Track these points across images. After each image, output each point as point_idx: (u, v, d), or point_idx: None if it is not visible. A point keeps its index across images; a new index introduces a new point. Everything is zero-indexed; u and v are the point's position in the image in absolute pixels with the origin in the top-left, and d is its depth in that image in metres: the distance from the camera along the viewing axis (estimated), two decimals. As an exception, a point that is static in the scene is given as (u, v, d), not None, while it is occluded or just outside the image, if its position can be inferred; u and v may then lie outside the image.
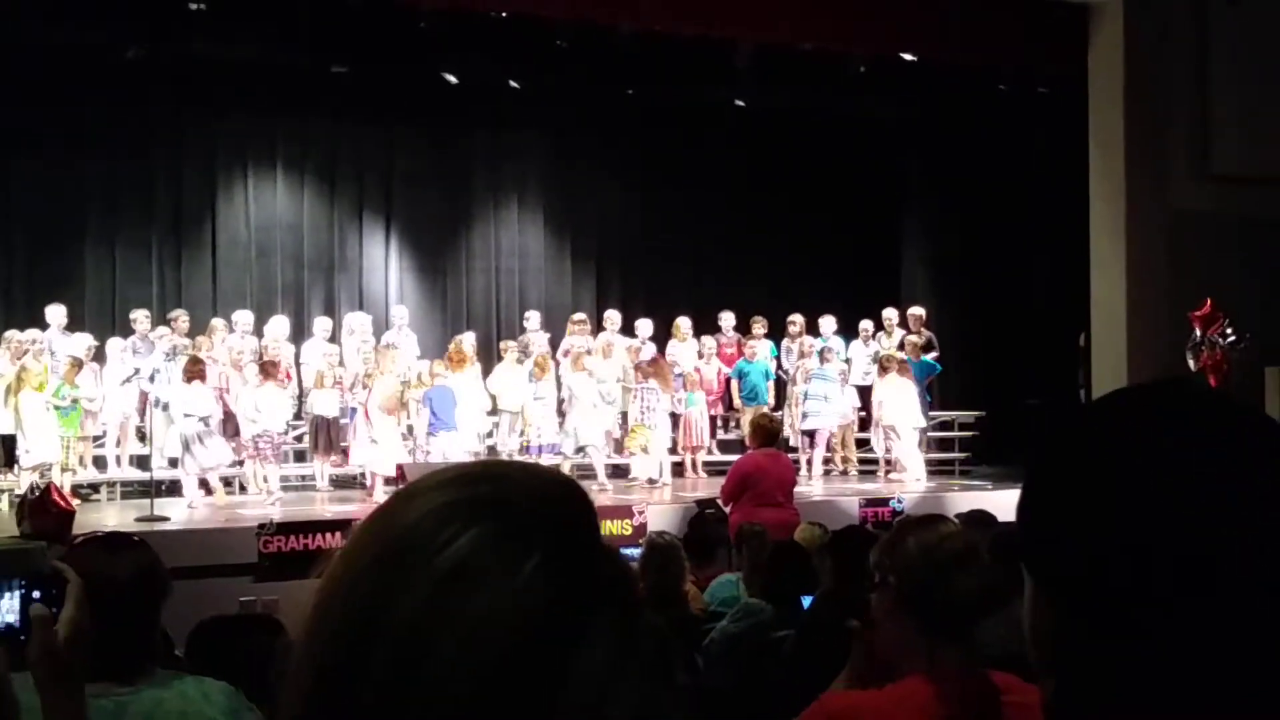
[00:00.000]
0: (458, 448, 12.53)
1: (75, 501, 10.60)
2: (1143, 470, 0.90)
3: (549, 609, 0.79)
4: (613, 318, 15.05)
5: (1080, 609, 0.91)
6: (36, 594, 1.75)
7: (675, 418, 14.15)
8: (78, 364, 12.15)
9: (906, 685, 2.25)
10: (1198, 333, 11.42)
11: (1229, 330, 11.35)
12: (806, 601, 5.37)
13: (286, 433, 13.10)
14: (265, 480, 12.39)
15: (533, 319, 14.91)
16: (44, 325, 12.75)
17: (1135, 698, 0.89)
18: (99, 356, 12.77)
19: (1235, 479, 0.89)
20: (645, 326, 15.03)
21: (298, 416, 13.52)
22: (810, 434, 14.20)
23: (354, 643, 0.80)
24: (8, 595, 1.76)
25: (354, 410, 13.02)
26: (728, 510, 9.04)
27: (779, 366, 15.18)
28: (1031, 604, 0.96)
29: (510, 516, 0.83)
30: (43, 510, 9.13)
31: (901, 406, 14.03)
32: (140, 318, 13.35)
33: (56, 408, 11.75)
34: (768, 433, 9.79)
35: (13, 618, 1.76)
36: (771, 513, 8.64)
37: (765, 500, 9.01)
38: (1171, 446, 0.90)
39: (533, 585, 0.80)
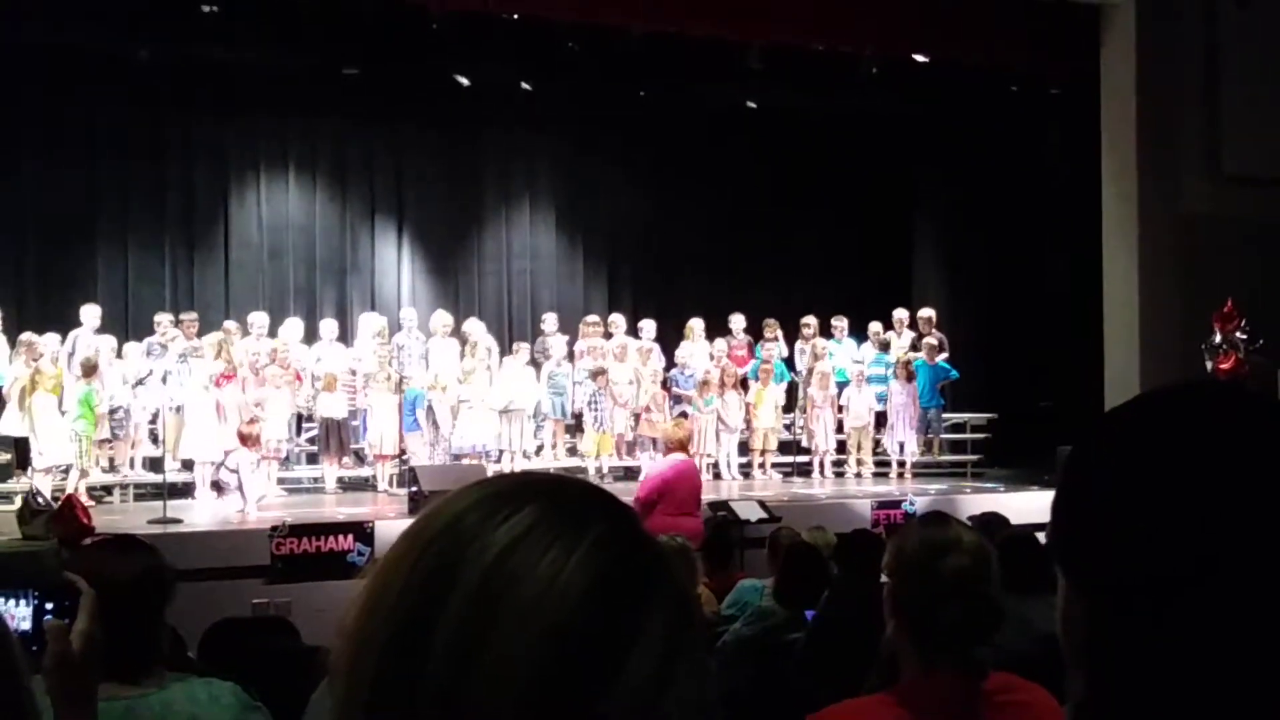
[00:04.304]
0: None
1: (89, 504, 10.63)
2: (1179, 469, 0.89)
3: (609, 580, 0.80)
4: (618, 321, 14.93)
5: (1116, 609, 0.90)
6: (49, 605, 1.75)
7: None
8: (93, 367, 12.15)
9: (877, 699, 2.22)
10: (1217, 333, 11.36)
11: (1244, 331, 11.30)
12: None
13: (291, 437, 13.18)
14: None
15: (549, 321, 14.86)
16: (57, 327, 12.64)
17: (1171, 697, 0.89)
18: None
19: (1273, 477, 0.88)
20: (649, 328, 14.82)
21: (308, 419, 13.53)
22: None
23: (412, 636, 0.79)
24: (22, 603, 1.75)
25: (364, 411, 13.06)
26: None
27: (792, 368, 15.13)
28: (1065, 604, 0.95)
29: (562, 498, 0.84)
30: (61, 519, 9.14)
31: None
32: (164, 321, 13.31)
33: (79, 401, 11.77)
34: (681, 441, 9.66)
35: (26, 625, 1.76)
36: (690, 522, 8.50)
37: (682, 509, 8.83)
38: (1209, 446, 0.90)
39: (590, 557, 0.80)
